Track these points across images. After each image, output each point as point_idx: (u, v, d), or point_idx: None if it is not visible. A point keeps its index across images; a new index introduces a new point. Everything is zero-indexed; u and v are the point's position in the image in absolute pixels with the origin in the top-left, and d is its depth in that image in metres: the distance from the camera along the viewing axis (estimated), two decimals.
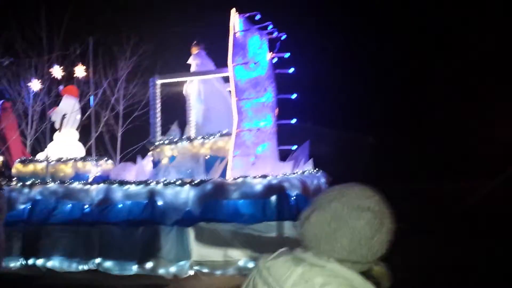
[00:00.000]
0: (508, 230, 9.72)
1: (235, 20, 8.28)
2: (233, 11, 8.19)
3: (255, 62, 9.11)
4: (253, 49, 9.16)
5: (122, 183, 8.09)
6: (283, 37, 9.75)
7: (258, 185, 7.45)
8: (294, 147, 10.22)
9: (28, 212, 8.26)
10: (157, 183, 7.90)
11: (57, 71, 10.15)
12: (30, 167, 9.68)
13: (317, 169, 9.94)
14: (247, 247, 7.29)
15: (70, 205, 8.27)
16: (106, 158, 10.29)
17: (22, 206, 8.29)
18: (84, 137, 11.16)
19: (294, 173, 8.74)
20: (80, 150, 10.55)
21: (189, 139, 8.67)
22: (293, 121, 10.33)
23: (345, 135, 26.58)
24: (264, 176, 7.64)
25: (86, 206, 8.08)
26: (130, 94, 11.67)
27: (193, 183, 7.69)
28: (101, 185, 8.18)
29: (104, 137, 11.59)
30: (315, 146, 10.76)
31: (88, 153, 10.92)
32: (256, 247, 7.27)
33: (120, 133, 11.63)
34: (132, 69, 11.67)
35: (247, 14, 8.49)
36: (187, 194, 7.66)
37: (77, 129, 10.60)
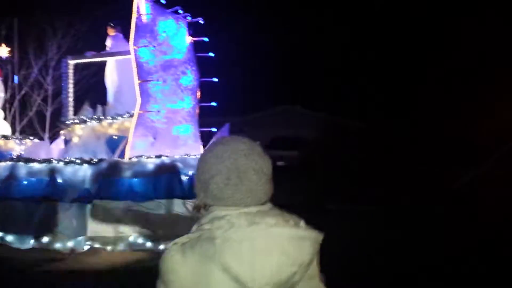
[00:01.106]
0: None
1: (140, 3, 8.45)
2: None
3: (168, 45, 9.32)
4: (167, 33, 9.34)
5: (27, 160, 8.33)
6: (201, 21, 9.97)
7: (150, 164, 7.71)
8: (214, 129, 10.46)
9: None
10: (59, 161, 8.15)
11: None
12: None
13: None
14: (137, 224, 7.56)
15: None
16: (32, 137, 10.49)
17: None
18: (20, 116, 11.37)
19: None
20: (5, 129, 10.74)
21: (99, 119, 8.90)
22: (213, 103, 10.58)
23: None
24: (159, 156, 7.89)
25: None
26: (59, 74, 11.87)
27: (91, 162, 7.94)
28: (8, 162, 8.42)
29: (33, 117, 11.79)
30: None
31: (22, 131, 11.14)
32: (146, 224, 7.55)
33: (49, 113, 11.84)
34: (65, 50, 11.81)
35: None
36: (85, 172, 7.91)
37: (2, 108, 10.78)
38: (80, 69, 10.99)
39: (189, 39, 10.07)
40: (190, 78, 10.03)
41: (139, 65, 8.37)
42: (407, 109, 28.21)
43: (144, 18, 8.56)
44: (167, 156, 7.94)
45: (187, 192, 7.81)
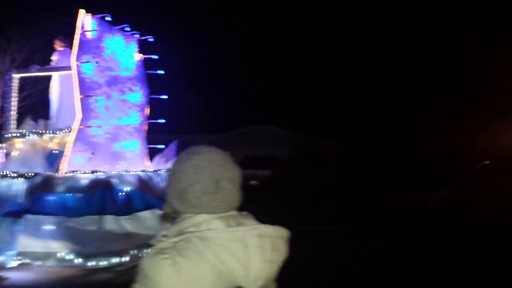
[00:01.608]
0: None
1: (85, 20, 8.52)
2: (81, 11, 8.43)
3: (115, 62, 9.39)
4: (114, 49, 9.42)
5: None
6: (150, 39, 10.09)
7: (84, 179, 7.68)
8: (162, 146, 10.51)
9: None
10: None
11: None
12: None
13: None
14: (68, 240, 7.49)
15: None
16: None
17: None
18: None
19: (145, 171, 9.02)
20: None
21: (39, 133, 8.85)
22: (162, 121, 10.65)
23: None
24: (94, 171, 7.88)
25: None
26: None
27: (26, 176, 7.87)
28: None
29: None
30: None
31: None
32: (77, 239, 7.49)
33: None
34: (18, 64, 11.74)
35: (100, 15, 8.74)
36: (19, 186, 7.83)
37: None
38: (31, 83, 10.94)
39: (138, 57, 10.17)
40: (138, 94, 10.11)
41: (81, 80, 8.39)
42: (381, 131, 28.84)
43: (89, 34, 8.62)
44: (103, 172, 7.92)
45: (121, 209, 7.81)
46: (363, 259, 8.59)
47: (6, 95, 9.20)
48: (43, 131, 8.90)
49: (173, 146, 10.44)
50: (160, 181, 9.01)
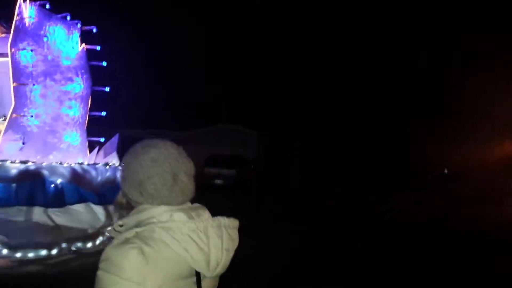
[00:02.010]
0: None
1: (24, 6, 8.31)
2: None
3: (55, 50, 9.20)
4: (55, 38, 9.23)
5: None
6: (94, 29, 9.94)
7: (13, 169, 7.50)
8: (102, 139, 10.39)
9: None
10: None
11: None
12: None
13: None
14: None
15: None
16: None
17: None
18: None
19: (81, 163, 8.89)
20: None
21: None
22: (103, 113, 10.52)
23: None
24: (25, 162, 7.71)
25: None
26: None
27: None
28: None
29: None
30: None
31: None
32: (4, 230, 7.30)
33: None
34: None
35: (39, 2, 8.54)
36: None
37: None
38: None
39: (81, 47, 10.00)
40: (80, 85, 9.92)
41: (16, 68, 8.19)
42: (347, 129, 29.39)
43: (27, 21, 8.42)
44: (33, 162, 7.76)
45: (51, 201, 7.68)
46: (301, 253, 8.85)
47: None
48: None
49: (114, 140, 10.33)
50: (97, 175, 8.90)
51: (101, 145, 10.24)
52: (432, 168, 27.99)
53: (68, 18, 9.29)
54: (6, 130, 8.00)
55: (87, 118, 10.24)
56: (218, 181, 23.05)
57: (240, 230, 1.71)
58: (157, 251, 1.46)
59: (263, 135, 28.15)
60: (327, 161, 27.26)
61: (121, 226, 1.56)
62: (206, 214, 1.62)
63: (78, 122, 9.93)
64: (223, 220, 1.61)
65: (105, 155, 9.89)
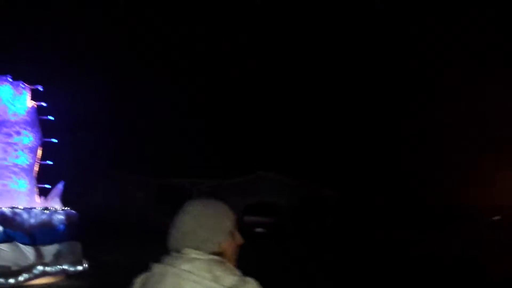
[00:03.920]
0: None
1: None
2: None
3: (1, 108, 10.45)
4: (2, 96, 10.51)
5: None
6: (40, 88, 11.21)
7: None
8: (48, 186, 11.41)
9: None
10: None
11: None
12: None
13: (66, 207, 11.09)
14: None
15: None
16: None
17: None
18: None
19: (13, 207, 9.86)
20: None
21: None
22: (50, 162, 11.59)
23: None
24: None
25: None
26: None
27: None
28: None
29: None
30: None
31: None
32: None
33: None
34: None
35: None
36: None
37: None
38: None
39: (30, 103, 11.24)
40: (28, 138, 11.08)
41: None
42: (380, 181, 28.84)
43: None
44: None
45: None
46: None
47: None
48: None
49: (59, 186, 11.34)
50: (29, 218, 9.85)
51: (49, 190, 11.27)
52: (483, 213, 25.77)
53: (10, 79, 10.56)
54: None
55: (36, 167, 11.34)
56: (258, 229, 23.30)
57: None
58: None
59: (300, 183, 28.00)
60: (360, 208, 26.61)
61: None
62: (188, 265, 1.73)
63: (26, 170, 11.01)
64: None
65: (51, 200, 10.89)
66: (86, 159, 25.30)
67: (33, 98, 11.30)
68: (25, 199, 10.76)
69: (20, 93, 10.96)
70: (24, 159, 10.98)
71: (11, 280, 8.96)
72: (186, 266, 1.69)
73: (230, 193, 25.22)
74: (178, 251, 1.75)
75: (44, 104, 11.25)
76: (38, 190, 11.36)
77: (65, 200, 11.26)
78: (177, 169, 31.76)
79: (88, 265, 10.92)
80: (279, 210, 24.93)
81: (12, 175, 10.66)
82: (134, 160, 31.35)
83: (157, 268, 1.74)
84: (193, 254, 1.72)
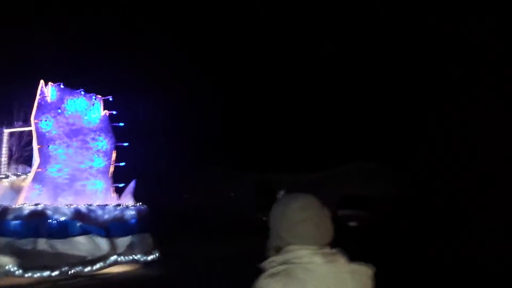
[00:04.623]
0: None
1: (44, 88, 11.15)
2: (41, 82, 11.09)
3: (77, 117, 11.91)
4: (76, 108, 11.96)
5: None
6: (110, 98, 12.55)
7: (26, 210, 10.05)
8: (122, 185, 12.74)
9: None
10: None
11: None
12: None
13: (138, 203, 12.36)
14: (14, 255, 9.81)
15: None
16: None
17: None
18: None
19: (90, 205, 11.24)
20: None
21: (17, 175, 11.53)
22: (122, 164, 12.90)
23: None
24: (37, 204, 10.24)
25: None
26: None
27: None
28: None
29: None
30: None
31: None
32: (22, 256, 9.78)
33: None
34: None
35: (57, 84, 11.34)
36: None
37: None
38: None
39: (102, 112, 12.64)
40: (103, 143, 12.49)
41: (39, 134, 10.95)
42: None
43: (49, 98, 11.23)
44: (43, 205, 10.25)
45: (54, 233, 10.05)
46: None
47: None
48: (20, 173, 11.57)
49: (132, 184, 12.64)
50: (103, 213, 11.17)
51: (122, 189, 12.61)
52: None
53: (83, 92, 11.98)
54: (31, 182, 10.71)
55: (111, 168, 12.73)
56: (352, 223, 22.65)
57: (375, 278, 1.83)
58: (296, 284, 1.71)
59: (398, 173, 27.12)
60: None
61: (272, 262, 1.83)
62: (342, 259, 1.82)
63: (102, 172, 12.44)
64: (357, 267, 1.82)
65: (124, 197, 12.22)
66: (176, 158, 26.92)
67: (105, 108, 12.70)
68: (101, 197, 12.19)
69: (93, 104, 12.40)
70: (100, 162, 12.42)
71: (87, 269, 10.31)
72: (341, 261, 1.82)
73: (325, 185, 25.05)
74: (307, 244, 1.82)
75: (114, 112, 12.58)
76: (113, 188, 12.77)
77: (152, 197, 12.58)
78: (273, 163, 32.09)
79: (161, 255, 12.05)
80: (376, 204, 23.81)
81: (89, 177, 12.12)
82: (232, 156, 32.35)
83: (315, 264, 1.78)
84: (329, 249, 1.85)
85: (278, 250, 1.86)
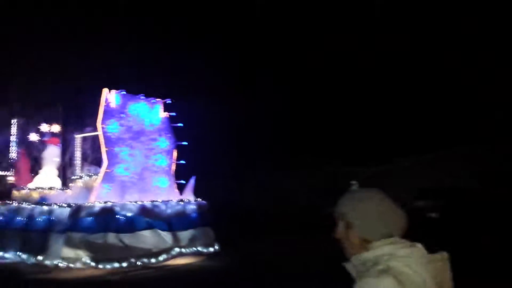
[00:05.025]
0: None
1: (108, 95, 12.12)
2: (104, 89, 12.07)
3: (139, 120, 12.83)
4: (138, 112, 12.87)
5: (41, 204, 12.31)
6: (168, 101, 13.37)
7: (97, 207, 11.05)
8: (182, 182, 13.53)
9: None
10: (56, 205, 11.94)
11: (44, 128, 15.04)
12: (17, 193, 14.50)
13: (198, 198, 13.11)
14: (88, 249, 10.86)
15: (18, 217, 12.71)
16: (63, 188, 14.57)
17: None
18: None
19: (155, 201, 12.10)
20: (57, 183, 15.10)
21: (90, 175, 12.65)
22: (182, 162, 13.68)
23: None
24: (106, 202, 11.22)
25: (22, 219, 12.45)
26: None
27: (70, 206, 11.57)
28: (27, 206, 12.49)
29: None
30: None
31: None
32: (94, 249, 10.81)
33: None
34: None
35: (120, 91, 12.29)
36: (66, 213, 11.53)
37: (57, 168, 15.23)
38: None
39: (163, 114, 13.49)
40: (164, 143, 13.35)
41: (106, 138, 11.95)
42: None
43: (113, 105, 12.21)
44: (111, 202, 11.22)
45: (122, 228, 10.99)
46: None
47: (71, 149, 13.32)
48: (92, 174, 12.69)
49: (192, 181, 13.40)
50: (166, 208, 12.00)
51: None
52: None
53: (143, 97, 12.86)
54: (101, 181, 11.73)
55: (173, 166, 13.57)
56: (431, 215, 21.71)
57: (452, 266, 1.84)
58: (405, 282, 1.76)
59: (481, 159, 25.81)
60: None
61: (363, 260, 1.87)
62: (423, 249, 1.87)
63: (165, 170, 13.31)
64: (439, 256, 1.87)
65: (185, 193, 13.02)
66: (239, 155, 27.50)
67: (164, 110, 13.55)
68: (165, 194, 13.04)
69: (153, 107, 13.28)
70: (162, 160, 13.29)
71: (153, 260, 11.16)
72: (425, 251, 1.88)
73: (400, 176, 24.39)
74: (390, 236, 1.90)
75: (174, 114, 13.40)
76: (176, 185, 13.61)
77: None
78: (346, 155, 31.55)
79: (222, 248, 12.71)
80: (459, 194, 22.74)
81: (153, 175, 13.02)
82: (303, 149, 32.21)
83: (413, 258, 1.84)
84: (409, 241, 1.91)
85: (362, 246, 1.92)
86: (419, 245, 1.88)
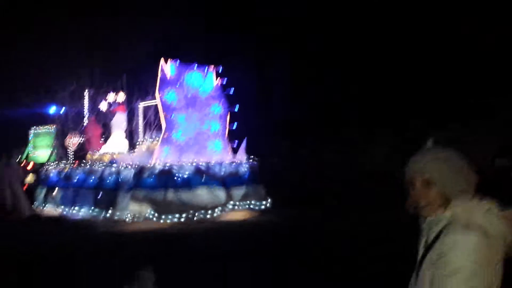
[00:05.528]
0: None
1: (164, 65, 13.16)
2: (162, 59, 13.11)
3: (194, 88, 13.83)
4: (193, 80, 13.86)
5: (110, 165, 13.78)
6: (221, 68, 14.23)
7: (157, 168, 12.29)
8: (235, 143, 14.50)
9: (65, 179, 14.63)
10: (123, 166, 13.33)
11: (111, 97, 16.50)
12: (91, 156, 16.15)
13: (251, 158, 14.09)
14: (151, 204, 12.18)
15: (91, 177, 14.30)
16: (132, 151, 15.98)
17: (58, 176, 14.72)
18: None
19: (208, 163, 13.18)
20: (125, 146, 16.54)
21: (152, 140, 13.94)
22: (234, 126, 14.59)
23: None
24: (166, 163, 12.43)
25: (94, 179, 14.01)
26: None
27: (134, 167, 12.90)
28: (99, 167, 14.01)
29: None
30: None
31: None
32: (156, 205, 12.13)
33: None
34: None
35: (174, 60, 13.29)
36: (132, 173, 12.89)
37: (125, 132, 16.66)
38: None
39: (216, 81, 14.40)
40: (218, 108, 14.32)
41: (164, 105, 13.08)
42: None
43: (169, 75, 13.26)
44: (169, 163, 12.43)
45: (180, 186, 12.20)
46: None
47: (135, 117, 14.63)
48: (154, 138, 13.98)
49: (243, 143, 14.34)
50: (220, 169, 13.09)
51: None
52: None
53: (196, 66, 13.80)
54: (160, 145, 12.96)
55: (226, 130, 14.55)
56: None
57: None
58: (490, 236, 1.83)
59: None
60: None
61: (443, 216, 1.95)
62: (498, 205, 1.92)
63: (218, 134, 14.33)
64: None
65: (238, 154, 14.02)
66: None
67: (217, 76, 14.45)
68: (219, 156, 14.08)
69: (206, 75, 14.21)
70: (216, 125, 14.30)
71: (208, 215, 12.33)
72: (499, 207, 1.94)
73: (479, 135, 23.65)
74: (467, 192, 1.96)
75: (225, 80, 14.28)
76: (230, 147, 14.62)
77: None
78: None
79: (273, 204, 13.65)
80: None
81: (208, 139, 14.08)
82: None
83: (492, 216, 1.89)
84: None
85: (440, 204, 1.96)
86: (494, 202, 1.93)
